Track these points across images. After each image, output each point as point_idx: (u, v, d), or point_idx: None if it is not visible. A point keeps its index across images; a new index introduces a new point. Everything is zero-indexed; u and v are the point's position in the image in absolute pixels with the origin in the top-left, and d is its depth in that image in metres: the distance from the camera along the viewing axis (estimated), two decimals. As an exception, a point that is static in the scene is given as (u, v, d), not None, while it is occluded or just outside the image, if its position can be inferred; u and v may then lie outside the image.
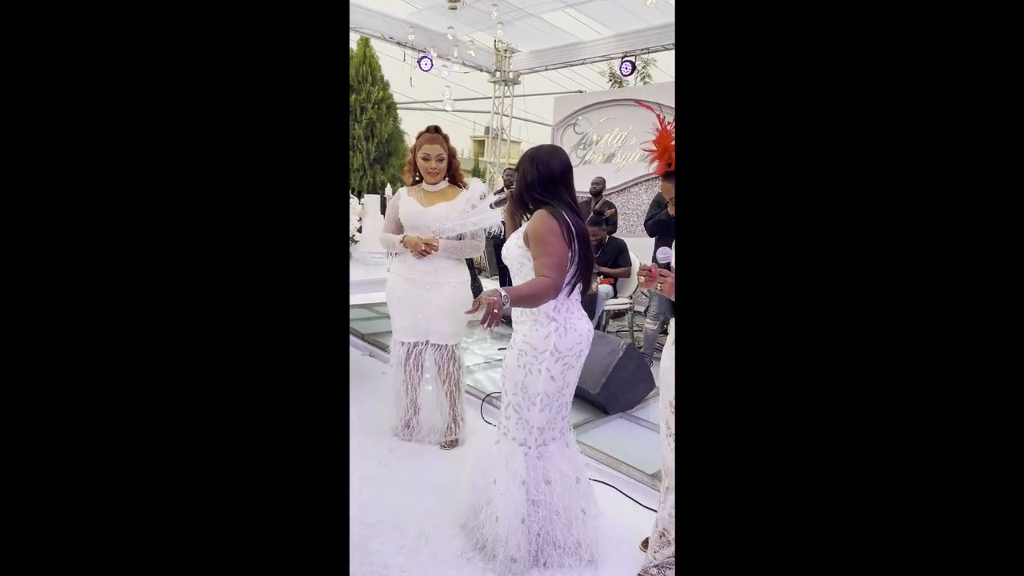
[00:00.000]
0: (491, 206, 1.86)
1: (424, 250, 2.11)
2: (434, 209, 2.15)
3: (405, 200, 2.22)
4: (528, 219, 1.49)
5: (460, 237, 2.16)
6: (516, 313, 1.51)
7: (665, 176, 1.40)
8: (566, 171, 1.48)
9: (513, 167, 1.68)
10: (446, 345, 2.21)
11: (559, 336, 1.44)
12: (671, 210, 1.46)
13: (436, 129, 2.18)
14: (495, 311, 1.22)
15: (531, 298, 1.35)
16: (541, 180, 1.45)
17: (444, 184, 2.18)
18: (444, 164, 2.15)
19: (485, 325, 1.21)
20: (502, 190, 1.84)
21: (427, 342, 2.23)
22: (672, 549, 1.48)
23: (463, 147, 16.22)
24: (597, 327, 3.83)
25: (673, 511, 1.45)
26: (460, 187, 2.19)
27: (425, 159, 2.13)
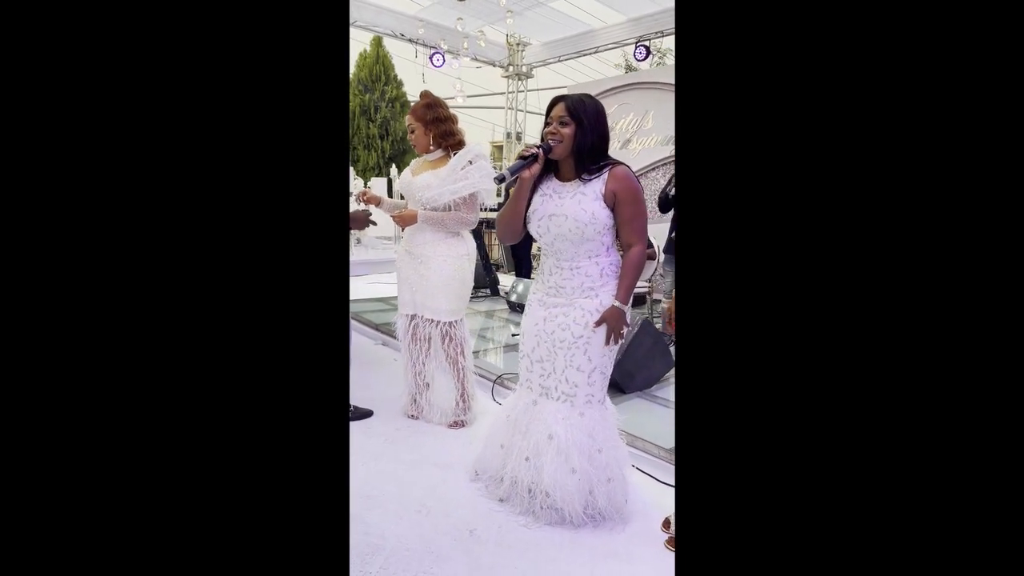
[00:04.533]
0: (501, 179, 1.43)
1: (395, 217, 2.11)
2: (419, 179, 2.08)
3: (406, 171, 2.20)
4: (584, 178, 1.38)
5: (448, 208, 2.03)
6: (595, 276, 1.43)
7: None
8: None
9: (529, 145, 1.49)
10: (439, 321, 2.13)
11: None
12: None
13: (421, 95, 2.15)
14: (621, 329, 1.36)
15: (637, 278, 1.40)
16: (608, 137, 1.43)
17: (439, 153, 2.11)
18: (416, 135, 2.09)
19: (610, 343, 1.35)
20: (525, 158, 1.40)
21: (422, 316, 2.16)
22: None
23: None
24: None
25: None
26: (452, 155, 2.08)
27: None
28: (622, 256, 1.47)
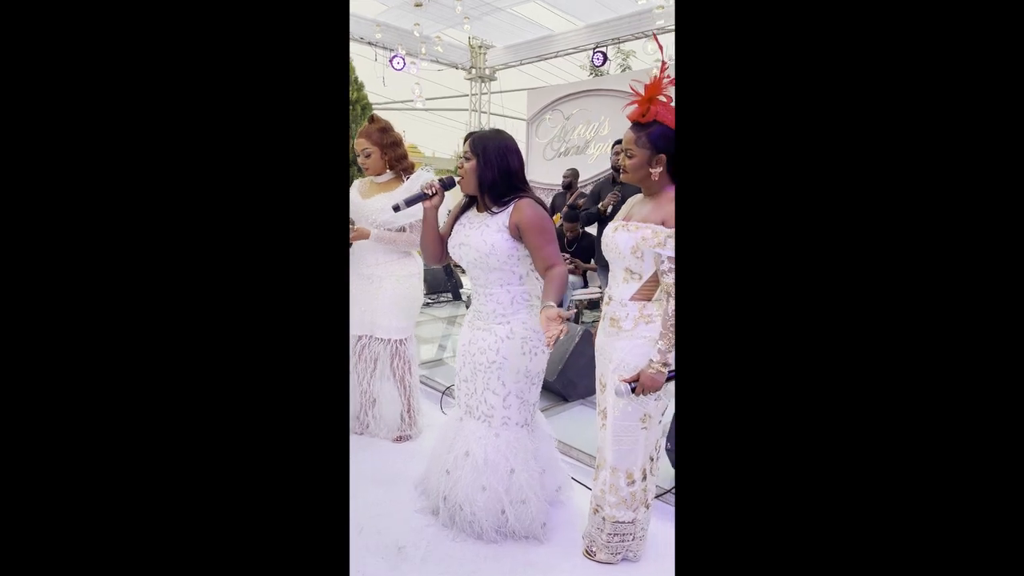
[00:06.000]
0: (396, 208, 1.49)
1: (353, 235, 2.12)
2: (372, 201, 2.13)
3: (352, 192, 2.23)
4: (493, 210, 1.46)
5: (403, 229, 2.13)
6: (507, 304, 1.50)
7: (634, 125, 1.34)
8: None
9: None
10: (390, 339, 2.18)
11: None
12: (623, 173, 1.38)
13: (371, 120, 2.17)
14: (555, 330, 1.26)
15: (562, 291, 1.42)
16: (522, 169, 1.49)
17: (389, 175, 2.17)
18: (372, 159, 2.13)
19: (554, 341, 1.26)
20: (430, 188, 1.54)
21: (372, 336, 2.21)
22: (599, 517, 1.49)
23: (452, 151, 16.04)
24: (569, 319, 3.82)
25: (605, 487, 1.45)
26: (404, 179, 2.16)
27: (358, 155, 2.16)
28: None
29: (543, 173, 6.76)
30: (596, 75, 10.53)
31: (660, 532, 1.56)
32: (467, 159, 1.47)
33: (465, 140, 1.51)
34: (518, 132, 8.71)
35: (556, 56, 7.40)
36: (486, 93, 8.32)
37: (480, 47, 7.94)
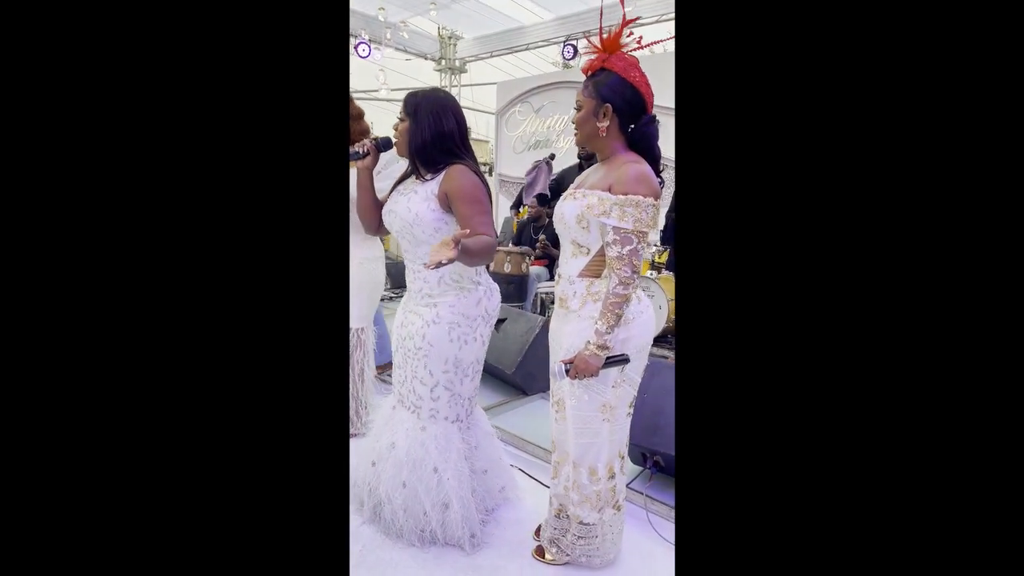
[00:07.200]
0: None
1: None
2: None
3: None
4: (426, 177, 1.31)
5: None
6: (433, 284, 1.35)
7: (587, 79, 1.21)
8: None
9: None
10: (352, 328, 2.04)
11: (488, 298, 1.38)
12: (575, 134, 1.27)
13: None
14: (450, 252, 1.07)
15: (479, 256, 1.18)
16: (461, 132, 1.33)
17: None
18: None
19: (434, 265, 1.08)
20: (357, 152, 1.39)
21: None
22: (563, 517, 1.37)
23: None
24: (534, 311, 3.72)
25: (568, 483, 1.34)
26: None
27: None
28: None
29: (513, 166, 6.65)
30: (567, 68, 10.47)
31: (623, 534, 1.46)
32: (401, 120, 1.34)
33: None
34: (488, 127, 8.58)
35: (527, 49, 7.29)
36: (456, 86, 8.16)
37: (450, 37, 7.78)
